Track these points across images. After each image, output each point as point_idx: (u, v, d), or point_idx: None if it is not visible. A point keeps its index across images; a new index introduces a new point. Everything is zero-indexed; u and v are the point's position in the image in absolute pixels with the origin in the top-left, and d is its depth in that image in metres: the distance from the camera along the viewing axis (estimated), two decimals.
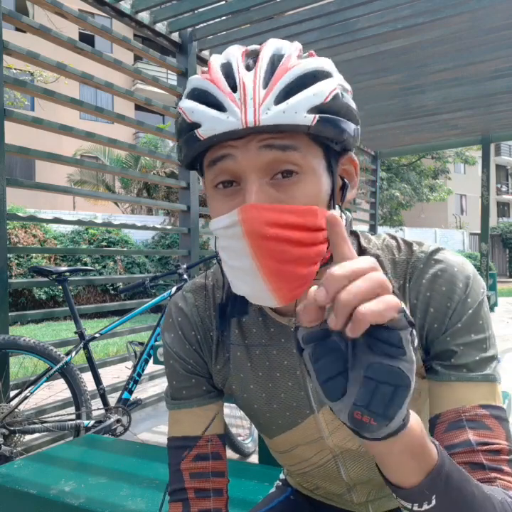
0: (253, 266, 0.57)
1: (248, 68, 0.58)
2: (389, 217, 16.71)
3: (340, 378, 0.44)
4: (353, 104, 0.61)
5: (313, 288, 0.43)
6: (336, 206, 0.64)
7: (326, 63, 0.60)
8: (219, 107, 0.56)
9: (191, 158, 0.62)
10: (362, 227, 8.15)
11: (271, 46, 0.60)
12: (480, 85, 4.68)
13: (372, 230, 7.39)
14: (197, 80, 0.60)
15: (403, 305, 0.42)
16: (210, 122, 0.56)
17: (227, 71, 0.58)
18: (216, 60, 0.61)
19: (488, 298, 4.16)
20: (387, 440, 0.46)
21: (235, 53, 0.60)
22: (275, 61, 0.58)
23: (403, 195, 15.75)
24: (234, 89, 0.57)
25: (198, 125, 0.57)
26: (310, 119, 0.55)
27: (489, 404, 0.61)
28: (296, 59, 0.58)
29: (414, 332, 0.44)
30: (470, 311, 0.63)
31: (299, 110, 0.55)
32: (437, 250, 0.67)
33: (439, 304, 0.63)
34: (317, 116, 0.56)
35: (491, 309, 9.03)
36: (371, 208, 7.47)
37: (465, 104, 5.17)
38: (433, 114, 5.49)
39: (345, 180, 0.66)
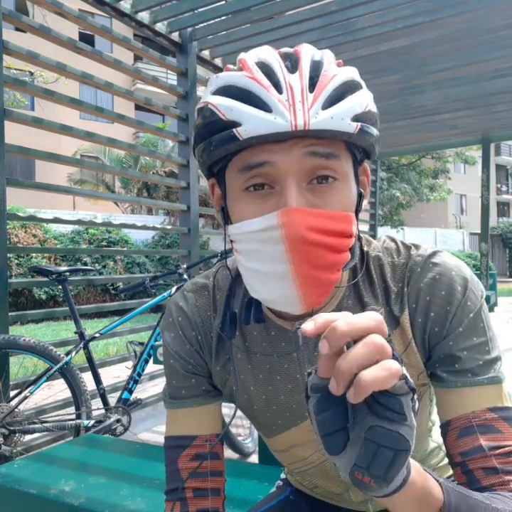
0: (287, 271, 0.56)
1: (288, 70, 0.57)
2: (389, 217, 16.70)
3: (341, 434, 0.44)
4: (377, 112, 0.63)
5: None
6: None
7: (357, 74, 0.61)
8: (262, 107, 0.54)
9: (218, 158, 0.60)
10: (362, 227, 8.15)
11: (308, 51, 0.60)
12: (480, 85, 4.68)
13: (372, 229, 7.40)
14: (233, 76, 0.58)
15: (404, 371, 0.42)
16: (254, 122, 0.54)
17: (268, 71, 0.57)
18: (250, 59, 0.59)
19: (488, 298, 4.16)
20: (387, 497, 0.47)
21: (271, 54, 0.59)
22: (315, 66, 0.58)
23: (403, 195, 15.75)
24: (279, 90, 0.55)
25: (236, 124, 0.55)
26: (353, 127, 0.56)
27: (497, 406, 0.61)
28: (336, 67, 0.59)
29: (416, 397, 0.44)
30: (471, 315, 0.63)
31: (345, 117, 0.56)
32: (434, 253, 0.67)
33: (439, 308, 0.64)
34: (359, 124, 0.57)
35: (491, 309, 9.03)
36: (371, 207, 7.46)
37: (465, 104, 5.17)
38: (433, 114, 5.49)
39: (361, 189, 0.66)
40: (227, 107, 0.56)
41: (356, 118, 0.57)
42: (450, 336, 0.63)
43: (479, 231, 7.02)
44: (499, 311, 9.91)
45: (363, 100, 0.58)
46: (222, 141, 0.56)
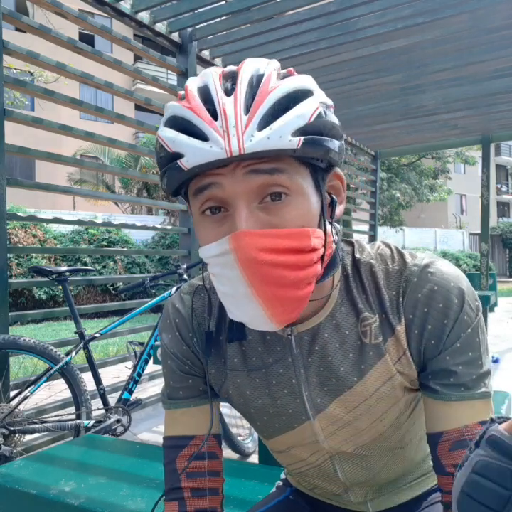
0: (248, 293, 0.56)
1: (227, 92, 0.57)
2: (389, 218, 16.70)
3: None
4: (336, 120, 0.61)
5: None
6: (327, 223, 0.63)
7: (306, 81, 0.59)
8: (201, 136, 0.55)
9: (175, 187, 0.61)
10: (362, 227, 8.16)
11: (248, 67, 0.58)
12: (480, 85, 4.68)
13: (372, 229, 7.39)
14: (175, 107, 0.58)
15: None
16: (193, 152, 0.55)
17: (206, 96, 0.57)
18: (193, 84, 0.59)
19: (488, 298, 4.15)
20: None
21: (212, 76, 0.58)
22: (254, 84, 0.57)
23: (403, 196, 15.74)
24: (215, 116, 0.55)
25: (180, 155, 0.56)
26: (295, 143, 0.55)
27: (486, 420, 0.62)
28: (275, 80, 0.57)
29: None
30: (468, 331, 0.63)
31: (283, 134, 0.54)
32: (431, 263, 0.66)
33: (435, 321, 0.63)
34: (302, 138, 0.55)
35: (491, 309, 9.03)
36: (371, 207, 7.47)
37: (465, 104, 5.17)
38: (433, 114, 5.49)
39: (333, 196, 0.65)
40: (170, 139, 0.57)
41: (299, 132, 0.55)
42: (447, 351, 0.63)
43: (479, 231, 7.02)
44: (499, 311, 9.91)
45: (307, 111, 0.56)
46: (171, 173, 0.58)
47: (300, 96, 0.57)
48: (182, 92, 0.60)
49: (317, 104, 0.58)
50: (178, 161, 0.56)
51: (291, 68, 0.60)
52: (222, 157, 0.54)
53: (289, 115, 0.55)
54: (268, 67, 0.58)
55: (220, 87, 0.57)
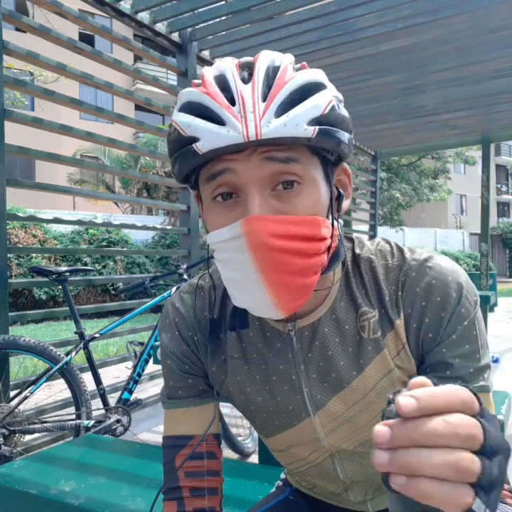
0: (257, 278, 0.57)
1: (244, 81, 0.58)
2: (389, 218, 16.70)
3: None
4: (347, 114, 0.62)
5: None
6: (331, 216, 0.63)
7: (319, 75, 0.60)
8: (217, 120, 0.55)
9: (187, 172, 0.61)
10: (362, 227, 8.16)
11: (265, 58, 0.60)
12: (480, 85, 4.68)
13: (372, 229, 7.39)
14: (191, 92, 0.59)
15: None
16: (210, 136, 0.55)
17: (223, 84, 0.58)
18: (209, 73, 0.60)
19: (488, 298, 4.15)
20: None
21: (228, 66, 0.59)
22: (271, 73, 0.58)
23: (403, 196, 15.74)
24: (232, 102, 0.56)
25: (195, 139, 0.56)
26: (310, 132, 0.56)
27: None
28: (292, 71, 0.59)
29: None
30: (465, 323, 0.63)
31: (299, 123, 0.55)
32: (430, 257, 0.66)
33: (433, 314, 0.64)
34: (317, 128, 0.56)
35: (491, 309, 9.03)
36: (371, 207, 7.47)
37: (465, 104, 5.17)
38: (433, 114, 5.49)
39: (340, 190, 0.66)
40: (186, 124, 0.57)
41: (314, 121, 0.56)
42: (444, 343, 0.63)
43: (479, 231, 7.02)
44: (499, 311, 9.91)
45: (322, 102, 0.57)
46: (185, 157, 0.58)
47: (314, 88, 0.58)
48: (197, 81, 0.61)
49: (331, 97, 0.59)
50: (193, 145, 0.56)
51: (304, 63, 0.62)
52: (240, 141, 0.54)
53: (305, 105, 0.56)
54: (284, 59, 0.60)
55: (237, 76, 0.58)
